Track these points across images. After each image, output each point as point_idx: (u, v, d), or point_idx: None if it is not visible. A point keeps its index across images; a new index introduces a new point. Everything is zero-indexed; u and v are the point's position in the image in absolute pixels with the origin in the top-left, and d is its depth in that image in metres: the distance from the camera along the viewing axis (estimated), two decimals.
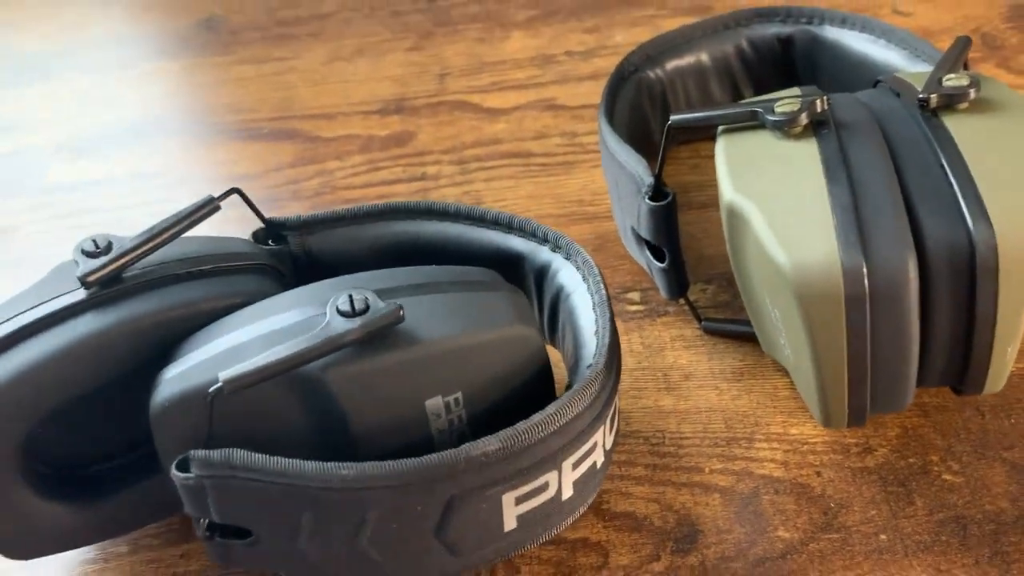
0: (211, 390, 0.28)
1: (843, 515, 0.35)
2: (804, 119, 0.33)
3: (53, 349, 0.30)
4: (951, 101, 0.34)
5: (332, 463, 0.28)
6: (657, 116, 0.47)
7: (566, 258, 0.35)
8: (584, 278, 0.34)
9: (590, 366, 0.31)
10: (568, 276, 0.35)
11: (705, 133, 0.47)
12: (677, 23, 0.58)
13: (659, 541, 0.35)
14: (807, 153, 0.32)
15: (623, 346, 0.41)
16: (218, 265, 0.33)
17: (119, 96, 0.59)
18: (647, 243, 0.39)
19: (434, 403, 0.30)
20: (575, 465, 0.30)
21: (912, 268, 0.29)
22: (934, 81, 0.34)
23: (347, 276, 0.32)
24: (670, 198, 0.37)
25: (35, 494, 0.32)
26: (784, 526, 0.35)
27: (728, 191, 0.32)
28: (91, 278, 0.31)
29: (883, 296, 0.29)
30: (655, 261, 0.40)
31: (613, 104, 0.44)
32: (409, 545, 0.29)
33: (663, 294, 0.41)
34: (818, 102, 0.33)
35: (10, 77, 0.62)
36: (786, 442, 0.37)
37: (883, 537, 0.34)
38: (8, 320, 0.31)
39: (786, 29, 0.47)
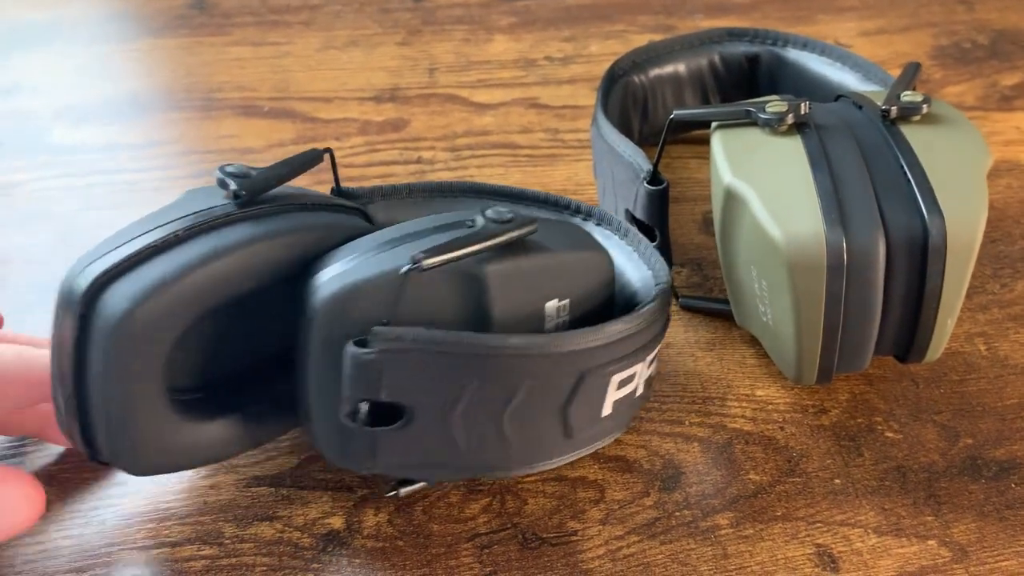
0: (405, 269, 0.31)
1: (803, 463, 0.40)
2: (790, 119, 0.39)
3: (214, 248, 0.33)
4: (907, 113, 0.40)
5: (500, 334, 0.33)
6: (637, 117, 0.53)
7: (597, 224, 0.41)
8: (623, 235, 0.40)
9: (659, 285, 0.37)
10: (600, 236, 0.40)
11: (673, 135, 0.53)
12: (645, 39, 0.64)
13: (648, 480, 0.40)
14: (793, 147, 0.38)
15: None
16: (330, 203, 0.37)
17: (118, 69, 0.62)
18: (640, 224, 0.45)
19: (551, 305, 0.35)
20: (649, 364, 0.37)
21: (882, 246, 0.35)
22: (894, 96, 0.40)
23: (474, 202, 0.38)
24: (665, 184, 0.43)
25: (172, 410, 0.34)
26: (754, 471, 0.40)
27: (727, 176, 0.38)
28: (245, 193, 0.34)
29: (857, 268, 0.35)
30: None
31: (606, 101, 0.49)
32: (537, 422, 0.35)
33: None
34: (802, 105, 0.39)
35: (8, 43, 0.64)
36: (753, 402, 0.43)
37: (837, 481, 0.40)
38: (165, 224, 0.33)
39: (753, 48, 0.53)
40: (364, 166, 0.54)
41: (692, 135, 0.56)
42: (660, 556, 0.37)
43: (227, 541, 0.37)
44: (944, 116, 0.40)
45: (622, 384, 0.36)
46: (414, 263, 0.31)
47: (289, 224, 0.34)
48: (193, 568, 0.36)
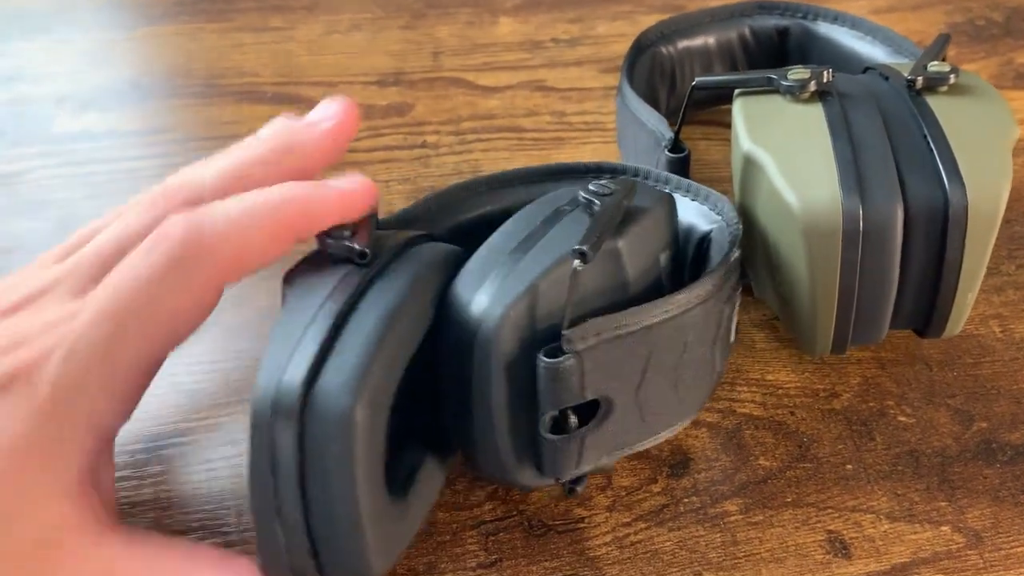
0: (576, 265, 0.30)
1: (814, 448, 0.40)
2: (813, 86, 0.38)
3: (387, 312, 0.30)
4: (933, 84, 0.39)
5: (666, 296, 0.33)
6: (664, 89, 0.52)
7: (633, 177, 0.41)
8: (644, 177, 0.40)
9: (726, 211, 0.38)
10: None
11: (696, 107, 0.53)
12: (653, 19, 0.63)
13: (656, 467, 0.39)
14: (814, 114, 0.38)
15: None
16: (411, 237, 0.35)
17: (119, 55, 0.61)
18: None
19: (663, 257, 0.35)
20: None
21: (899, 214, 0.35)
22: (920, 66, 0.39)
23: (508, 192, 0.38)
24: (686, 152, 0.42)
25: (388, 493, 0.31)
26: (764, 456, 0.39)
27: (746, 142, 0.37)
28: (368, 252, 0.32)
29: (874, 236, 0.35)
30: None
31: (632, 71, 0.48)
32: (699, 367, 0.35)
33: None
34: (825, 73, 0.39)
35: (9, 30, 0.63)
36: (763, 386, 0.42)
37: (849, 467, 0.39)
38: (320, 307, 0.30)
39: (784, 22, 0.52)
40: (368, 151, 0.53)
41: (701, 116, 0.55)
42: (668, 543, 0.36)
43: (231, 530, 0.36)
44: (972, 87, 0.39)
45: (731, 318, 0.36)
46: (582, 258, 0.30)
47: (413, 267, 0.32)
48: None
